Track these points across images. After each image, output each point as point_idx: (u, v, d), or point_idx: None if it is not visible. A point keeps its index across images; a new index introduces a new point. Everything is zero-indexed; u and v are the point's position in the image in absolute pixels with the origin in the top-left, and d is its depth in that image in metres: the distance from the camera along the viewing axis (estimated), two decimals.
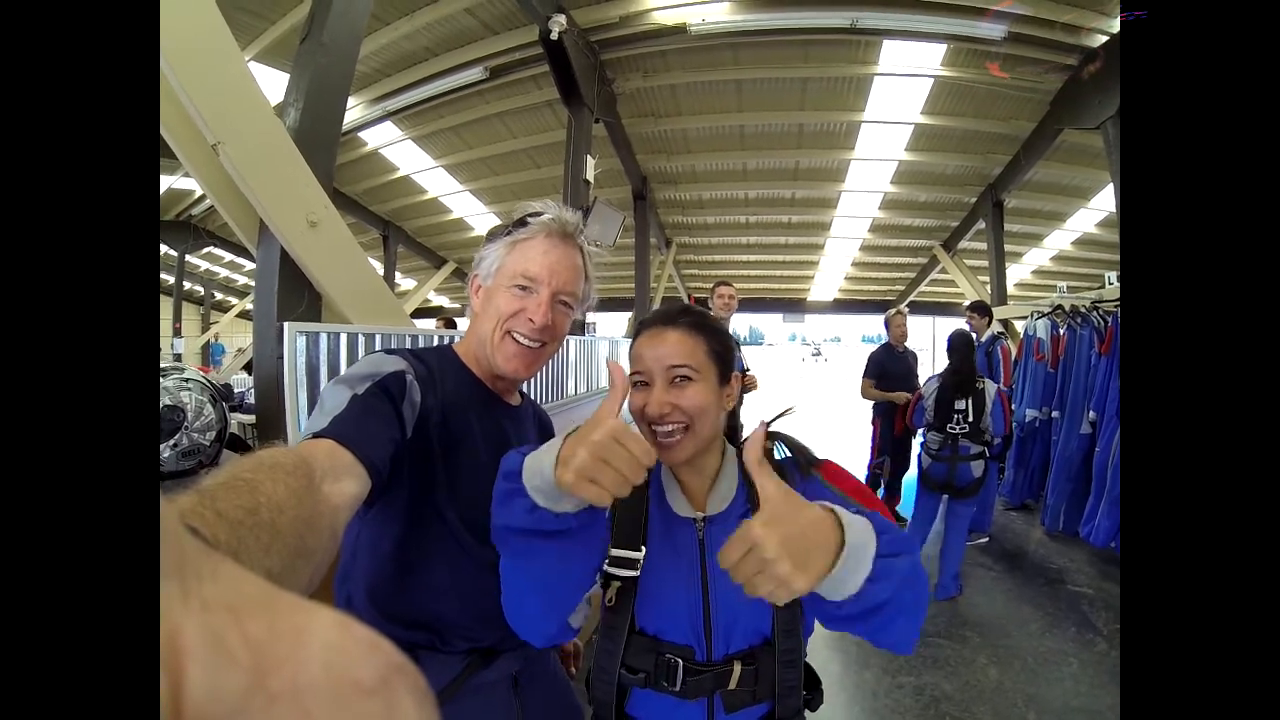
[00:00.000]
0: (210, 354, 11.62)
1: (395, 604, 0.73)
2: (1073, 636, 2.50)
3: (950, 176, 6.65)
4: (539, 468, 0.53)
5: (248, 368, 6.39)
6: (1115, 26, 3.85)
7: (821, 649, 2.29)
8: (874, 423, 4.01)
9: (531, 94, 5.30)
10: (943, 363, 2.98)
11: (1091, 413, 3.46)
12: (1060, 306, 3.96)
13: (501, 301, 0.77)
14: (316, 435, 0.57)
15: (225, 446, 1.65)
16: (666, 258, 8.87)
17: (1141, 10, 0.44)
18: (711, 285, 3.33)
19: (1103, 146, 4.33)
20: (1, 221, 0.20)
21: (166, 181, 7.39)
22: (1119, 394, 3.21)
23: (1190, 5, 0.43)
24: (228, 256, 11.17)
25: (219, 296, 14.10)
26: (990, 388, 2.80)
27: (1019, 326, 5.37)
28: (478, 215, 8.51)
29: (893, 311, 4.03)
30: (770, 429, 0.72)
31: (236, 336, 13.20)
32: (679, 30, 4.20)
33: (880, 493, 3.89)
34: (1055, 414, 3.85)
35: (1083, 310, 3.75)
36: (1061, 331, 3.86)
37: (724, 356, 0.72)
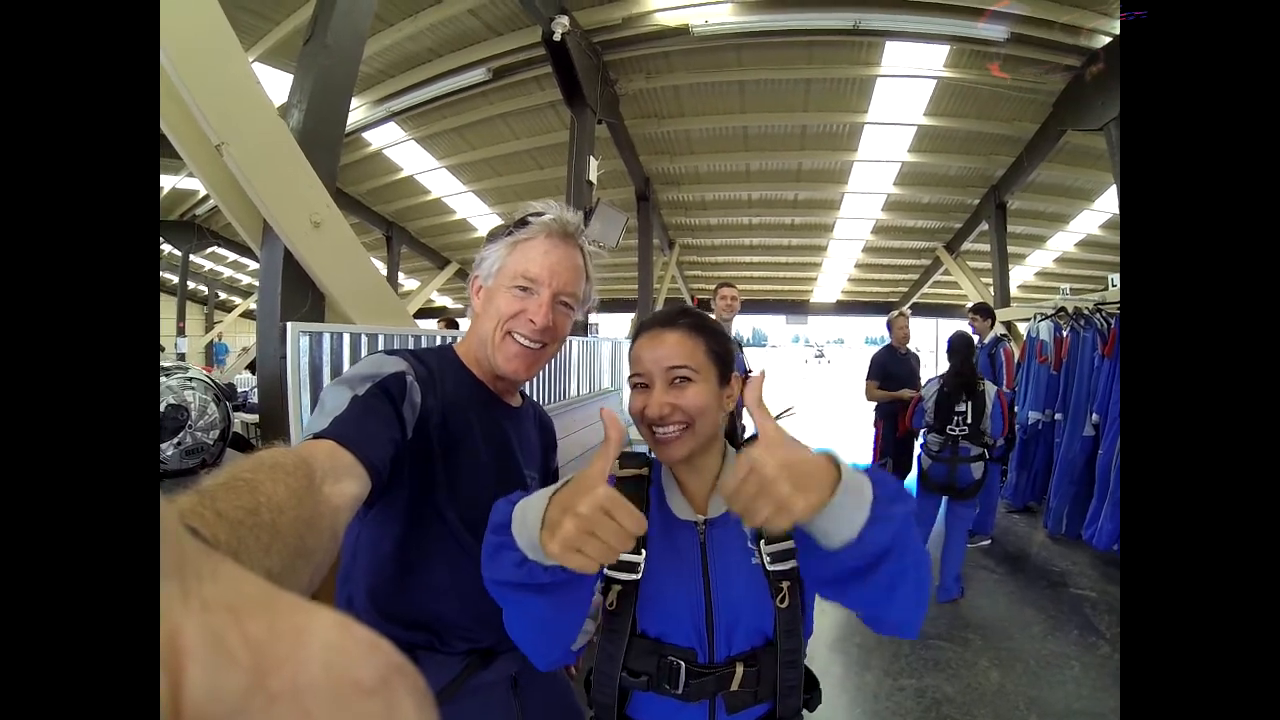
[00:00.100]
0: (214, 354, 11.66)
1: (395, 604, 0.73)
2: (1075, 639, 2.49)
3: (953, 178, 6.64)
4: (525, 525, 0.53)
5: (251, 367, 6.41)
6: (1117, 28, 3.85)
7: (823, 651, 2.29)
8: (876, 425, 4.00)
9: (534, 95, 5.31)
10: (945, 364, 2.98)
11: (1094, 415, 3.45)
12: (1063, 308, 3.95)
13: (502, 302, 0.77)
14: (317, 436, 0.57)
15: (229, 445, 1.65)
16: (669, 259, 8.87)
17: (1141, 10, 0.44)
18: (714, 287, 3.33)
19: (1106, 148, 4.32)
20: (2, 222, 0.20)
21: (170, 182, 7.43)
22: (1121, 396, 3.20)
23: (1190, 6, 0.43)
24: (231, 256, 11.22)
25: (223, 296, 14.15)
26: (990, 390, 2.80)
27: (1022, 328, 5.36)
28: (481, 216, 8.53)
29: (895, 313, 4.02)
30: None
31: (240, 336, 13.24)
32: (682, 31, 4.20)
33: None
34: (1058, 416, 3.84)
35: (1086, 312, 3.73)
36: (1064, 333, 3.85)
37: (724, 357, 0.72)
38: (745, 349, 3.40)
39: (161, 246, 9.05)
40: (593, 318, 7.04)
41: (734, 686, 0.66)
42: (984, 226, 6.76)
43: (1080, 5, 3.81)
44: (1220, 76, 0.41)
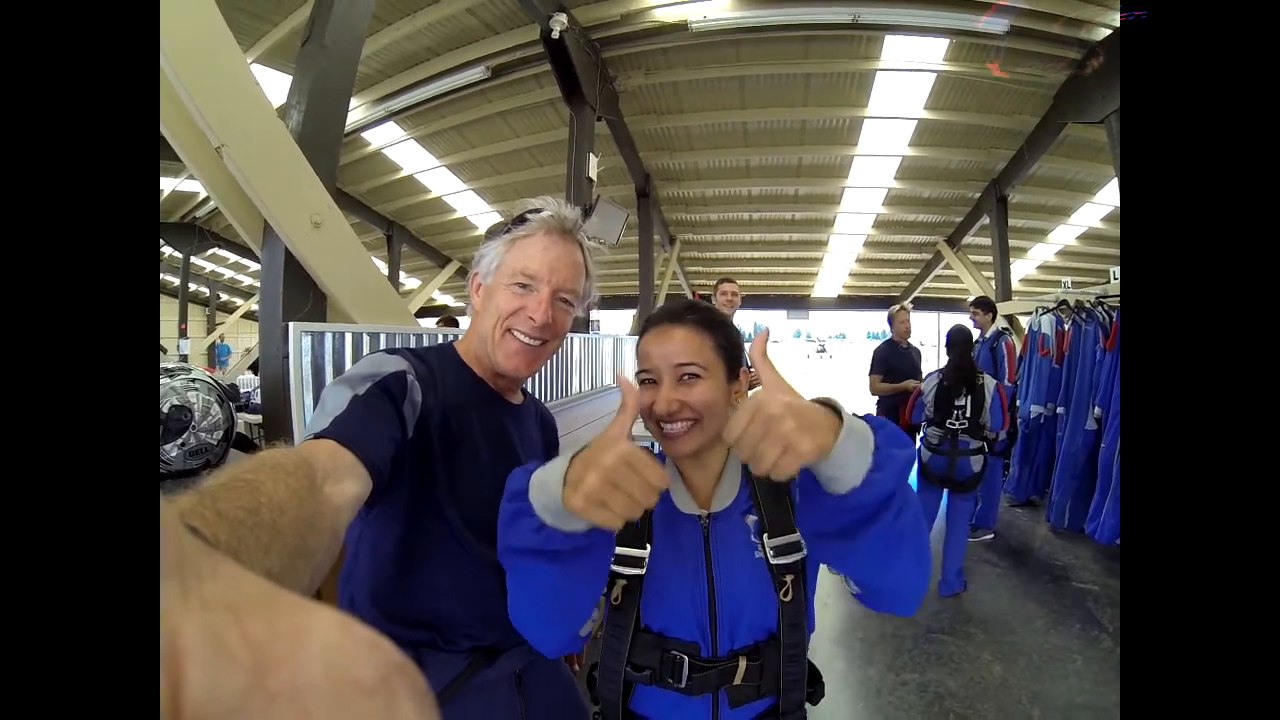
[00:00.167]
0: (216, 355, 11.69)
1: (397, 604, 0.74)
2: (1077, 633, 2.49)
3: (954, 171, 6.62)
4: (545, 487, 0.52)
5: (253, 368, 6.42)
6: (1116, 21, 3.82)
7: (826, 646, 2.29)
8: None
9: (533, 93, 5.30)
10: (945, 358, 2.98)
11: (1097, 409, 3.44)
12: (1065, 302, 3.93)
13: (501, 300, 0.77)
14: (318, 436, 0.57)
15: (232, 446, 1.66)
16: (670, 255, 8.86)
17: (1141, 10, 0.44)
18: (715, 282, 3.33)
19: (1107, 141, 4.30)
20: (2, 222, 0.20)
21: (171, 184, 7.43)
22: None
23: (1190, 3, 0.42)
24: (232, 258, 11.23)
25: (224, 298, 14.17)
26: (989, 383, 2.80)
27: (1024, 322, 5.35)
28: (481, 214, 8.52)
29: (896, 308, 4.01)
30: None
31: (242, 337, 13.27)
32: (680, 27, 4.19)
33: None
34: (1060, 410, 3.83)
35: (1087, 305, 3.72)
36: (1066, 327, 3.83)
37: (732, 352, 0.71)
38: (747, 345, 3.39)
39: (162, 249, 9.06)
40: (594, 314, 7.04)
41: (737, 681, 0.66)
42: (985, 220, 6.74)
43: None
44: (1219, 70, 0.41)
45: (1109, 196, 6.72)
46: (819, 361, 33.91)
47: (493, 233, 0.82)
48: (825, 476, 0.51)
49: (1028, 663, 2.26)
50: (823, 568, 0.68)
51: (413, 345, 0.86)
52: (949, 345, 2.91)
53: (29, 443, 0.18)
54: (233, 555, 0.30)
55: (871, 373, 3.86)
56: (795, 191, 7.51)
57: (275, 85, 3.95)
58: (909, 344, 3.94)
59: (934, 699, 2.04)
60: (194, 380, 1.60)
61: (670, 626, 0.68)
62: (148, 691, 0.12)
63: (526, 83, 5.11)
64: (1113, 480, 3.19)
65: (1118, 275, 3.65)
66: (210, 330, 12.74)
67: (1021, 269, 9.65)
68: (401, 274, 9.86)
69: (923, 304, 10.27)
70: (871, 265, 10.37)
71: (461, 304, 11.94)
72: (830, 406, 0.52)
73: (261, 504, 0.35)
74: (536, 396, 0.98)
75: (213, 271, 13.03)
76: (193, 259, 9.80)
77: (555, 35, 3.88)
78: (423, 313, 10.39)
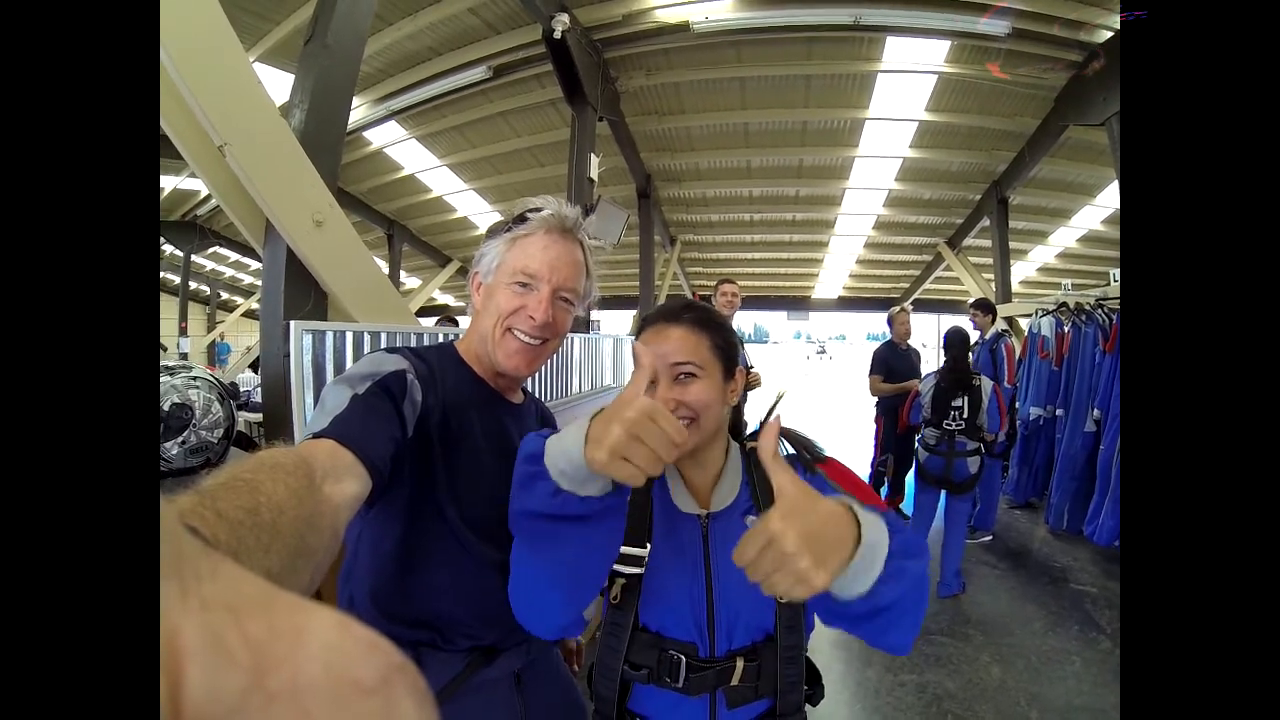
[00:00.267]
0: (216, 353, 11.69)
1: (397, 603, 0.73)
2: (1076, 635, 2.49)
3: (955, 173, 6.62)
4: (564, 449, 0.52)
5: (253, 366, 6.42)
6: (1117, 23, 3.82)
7: (824, 647, 2.29)
8: (877, 420, 4.00)
9: (535, 93, 5.30)
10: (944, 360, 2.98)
11: (1096, 411, 3.44)
12: (1065, 304, 3.94)
13: (502, 299, 0.77)
14: (317, 435, 0.57)
15: (233, 444, 1.66)
16: (671, 256, 8.85)
17: (1141, 10, 0.44)
18: (715, 283, 3.33)
19: (1108, 143, 4.30)
20: (3, 222, 0.20)
21: (172, 182, 7.43)
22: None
23: (1190, 4, 0.42)
24: (233, 256, 11.23)
25: (224, 296, 14.18)
26: (986, 384, 2.81)
27: (1024, 324, 5.35)
28: (482, 214, 8.52)
29: (896, 309, 4.01)
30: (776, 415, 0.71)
31: (242, 336, 13.28)
32: (682, 28, 4.19)
33: (884, 491, 3.88)
34: (1059, 412, 3.83)
35: (1087, 307, 3.72)
36: (1066, 329, 3.84)
37: (728, 352, 0.71)
38: (746, 345, 3.39)
39: (163, 247, 9.07)
40: (594, 314, 7.04)
41: (734, 681, 0.66)
42: (986, 222, 6.73)
43: (1081, 1, 3.79)
44: (1220, 72, 0.41)
45: (1109, 199, 6.71)
46: (819, 362, 33.89)
47: (493, 231, 0.82)
48: (833, 586, 0.50)
49: (1026, 664, 2.26)
50: None
51: (413, 344, 0.86)
52: (946, 347, 2.92)
53: (29, 442, 0.18)
54: (232, 555, 0.30)
55: (871, 373, 3.86)
56: (796, 192, 7.51)
57: (277, 84, 3.95)
58: (909, 345, 3.94)
59: (932, 700, 2.04)
60: (195, 378, 1.60)
61: (668, 626, 0.68)
62: (147, 691, 0.12)
63: (528, 83, 5.11)
64: (1111, 482, 3.19)
65: (1117, 278, 3.65)
66: (210, 329, 12.75)
67: (1022, 271, 9.65)
68: (402, 273, 9.86)
69: (923, 305, 10.27)
70: (872, 267, 10.37)
71: (462, 303, 11.95)
72: (848, 512, 0.51)
73: (261, 504, 0.35)
74: (536, 396, 0.98)
75: (213, 270, 13.03)
76: (193, 257, 9.81)
77: (557, 35, 3.88)
78: (423, 312, 10.40)
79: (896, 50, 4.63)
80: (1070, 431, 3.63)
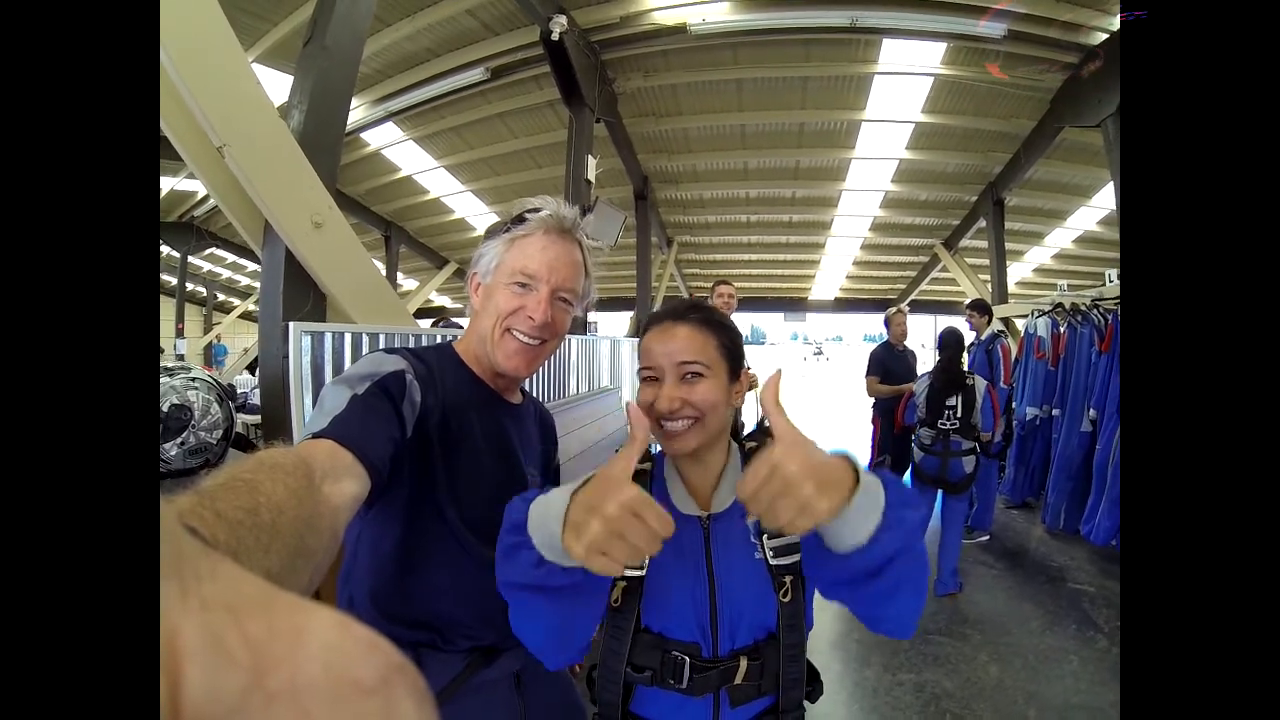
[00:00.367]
0: (212, 355, 11.65)
1: (396, 604, 0.73)
2: (1073, 634, 2.49)
3: (951, 175, 6.64)
4: (545, 523, 0.51)
5: (250, 368, 6.40)
6: (1115, 24, 3.84)
7: (823, 648, 2.29)
8: (874, 421, 4.01)
9: (532, 94, 5.30)
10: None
11: (1092, 411, 3.45)
12: (1061, 304, 3.95)
13: (501, 299, 0.77)
14: (316, 435, 0.57)
15: (231, 445, 1.66)
16: (668, 257, 8.87)
17: (1141, 10, 0.44)
18: (711, 285, 3.33)
19: (1103, 144, 4.32)
20: (4, 223, 0.20)
21: (169, 183, 7.41)
22: (1119, 392, 3.21)
23: (1190, 4, 0.43)
24: (230, 258, 11.21)
25: (221, 298, 14.14)
26: (980, 384, 2.82)
27: (1020, 324, 5.37)
28: (479, 215, 8.52)
29: (893, 310, 4.02)
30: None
31: (239, 338, 13.23)
32: (679, 30, 4.20)
33: None
34: (1056, 412, 3.84)
35: (1083, 308, 3.74)
36: (1062, 329, 3.85)
37: (734, 352, 0.71)
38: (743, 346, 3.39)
39: (160, 248, 9.03)
40: (591, 316, 7.04)
41: (738, 680, 0.66)
42: (982, 223, 6.76)
43: (1077, 3, 3.81)
44: (1220, 72, 0.41)
45: (1105, 200, 6.75)
46: (815, 364, 33.96)
47: (492, 232, 0.82)
48: (831, 534, 0.51)
49: (1024, 663, 2.27)
50: None
51: (412, 346, 0.86)
52: (940, 347, 2.94)
53: (30, 443, 0.18)
54: (231, 555, 0.30)
55: (868, 375, 3.87)
56: (793, 194, 7.53)
57: (275, 85, 3.95)
58: (905, 346, 3.95)
59: (930, 699, 2.04)
60: (194, 379, 1.59)
61: (671, 627, 0.68)
62: (147, 692, 0.12)
63: (526, 84, 5.11)
64: (1108, 482, 3.20)
65: (1113, 278, 3.67)
66: (207, 330, 12.71)
67: (1018, 272, 9.68)
68: (399, 275, 9.85)
69: (919, 307, 10.30)
70: (868, 268, 10.40)
71: (459, 305, 11.94)
72: (845, 459, 0.51)
73: (260, 504, 0.34)
74: (535, 397, 0.97)
75: (210, 271, 13.00)
76: (190, 258, 9.78)
77: (555, 37, 3.89)
78: (420, 314, 10.38)
79: (893, 52, 4.65)
80: (1066, 431, 3.65)
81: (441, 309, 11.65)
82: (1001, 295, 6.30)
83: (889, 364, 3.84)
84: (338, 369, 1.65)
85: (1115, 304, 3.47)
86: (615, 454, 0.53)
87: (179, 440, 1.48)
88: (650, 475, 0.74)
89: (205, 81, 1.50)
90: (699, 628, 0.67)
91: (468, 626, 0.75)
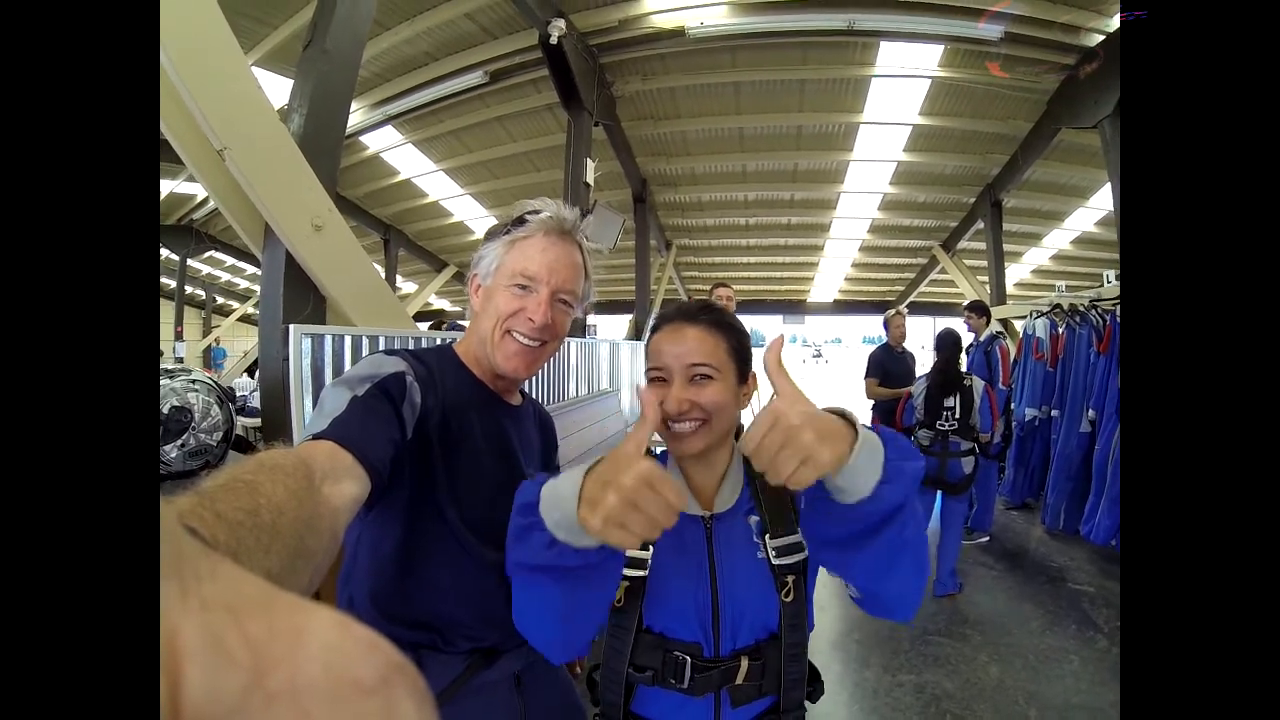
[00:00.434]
0: (211, 358, 11.64)
1: (397, 605, 0.73)
2: (1073, 634, 2.49)
3: (949, 177, 6.66)
4: (559, 502, 0.51)
5: (249, 371, 6.39)
6: (1111, 26, 3.86)
7: (824, 648, 2.29)
8: (873, 423, 4.00)
9: (531, 98, 5.31)
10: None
11: (1091, 411, 3.46)
12: (1059, 305, 3.96)
13: (501, 301, 0.77)
14: (316, 437, 0.57)
15: (231, 447, 1.66)
16: (666, 260, 8.87)
17: (1141, 10, 0.44)
18: (710, 287, 3.33)
19: (1100, 145, 4.33)
20: (5, 224, 0.20)
21: (169, 186, 7.41)
22: (1118, 392, 3.21)
23: (1190, 4, 0.43)
24: (229, 261, 11.20)
25: (220, 301, 14.13)
26: (978, 384, 2.83)
27: (1018, 325, 5.38)
28: (478, 219, 8.52)
29: (892, 312, 4.03)
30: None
31: (237, 341, 13.23)
32: (678, 33, 4.21)
33: None
34: (1055, 413, 3.85)
35: (1081, 309, 3.75)
36: (1060, 330, 3.86)
37: (743, 355, 0.71)
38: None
39: (160, 250, 9.03)
40: (590, 319, 7.05)
41: (739, 680, 0.66)
42: (980, 225, 6.77)
43: (1074, 4, 3.83)
44: (1221, 72, 0.42)
45: (1102, 201, 6.77)
46: (815, 366, 33.97)
47: (492, 234, 0.82)
48: (834, 487, 0.51)
49: (1024, 664, 2.26)
50: (821, 570, 0.69)
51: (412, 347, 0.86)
52: (937, 348, 2.95)
53: (30, 444, 0.18)
54: (231, 556, 0.30)
55: (867, 377, 3.87)
56: (791, 196, 7.54)
57: (275, 88, 3.96)
58: (904, 348, 3.95)
59: (930, 700, 2.04)
60: (194, 381, 1.60)
61: (673, 627, 0.68)
62: (147, 692, 0.12)
63: (524, 88, 5.12)
64: (1107, 482, 3.20)
65: (1111, 279, 3.68)
66: (206, 333, 12.70)
67: (1016, 273, 9.70)
68: (398, 278, 9.85)
69: (918, 308, 10.31)
70: (867, 270, 10.41)
71: (458, 309, 11.95)
72: (843, 417, 0.52)
73: (260, 505, 0.34)
74: (535, 398, 0.97)
75: (209, 274, 13.00)
76: (189, 261, 9.77)
77: (553, 41, 3.90)
78: (418, 317, 10.38)
79: (890, 55, 4.66)
80: (1065, 432, 3.65)
81: (440, 312, 11.65)
82: (1000, 296, 6.31)
83: (888, 366, 3.84)
84: (338, 371, 1.65)
85: (1113, 305, 3.47)
86: (627, 435, 0.53)
87: (179, 442, 1.48)
88: None
89: (206, 85, 1.51)
90: (701, 627, 0.67)
91: (468, 627, 0.75)
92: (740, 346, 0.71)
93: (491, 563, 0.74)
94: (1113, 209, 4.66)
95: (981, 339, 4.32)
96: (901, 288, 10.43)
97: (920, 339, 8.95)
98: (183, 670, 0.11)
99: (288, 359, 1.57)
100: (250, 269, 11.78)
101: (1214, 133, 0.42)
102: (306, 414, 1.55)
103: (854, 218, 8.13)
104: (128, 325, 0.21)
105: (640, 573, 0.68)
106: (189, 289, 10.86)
